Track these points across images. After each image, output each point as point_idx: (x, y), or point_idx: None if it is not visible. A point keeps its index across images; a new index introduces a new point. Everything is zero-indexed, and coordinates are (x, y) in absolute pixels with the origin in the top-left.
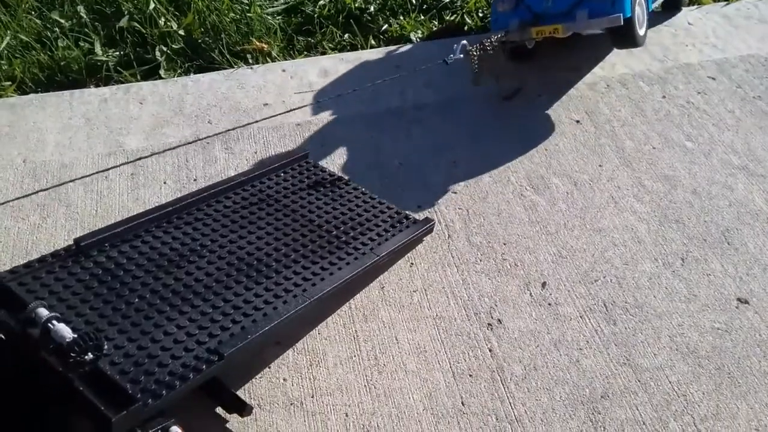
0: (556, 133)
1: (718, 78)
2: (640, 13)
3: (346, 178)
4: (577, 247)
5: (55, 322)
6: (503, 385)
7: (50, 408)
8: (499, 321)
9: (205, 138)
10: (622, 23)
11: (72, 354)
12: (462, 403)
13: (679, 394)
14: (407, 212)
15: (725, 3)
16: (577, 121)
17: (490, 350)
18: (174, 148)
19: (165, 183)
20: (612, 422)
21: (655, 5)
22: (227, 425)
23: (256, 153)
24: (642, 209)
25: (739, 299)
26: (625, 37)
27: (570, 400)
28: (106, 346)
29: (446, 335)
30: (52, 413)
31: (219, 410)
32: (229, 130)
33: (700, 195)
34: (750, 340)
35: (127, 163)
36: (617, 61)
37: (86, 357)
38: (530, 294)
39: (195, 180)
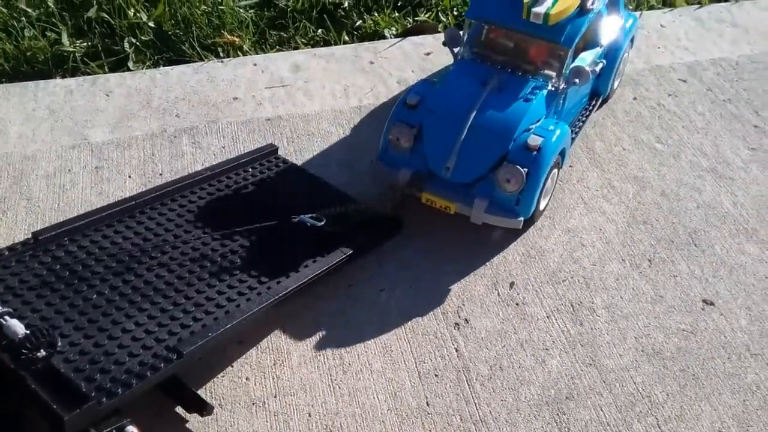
0: None
1: (689, 80)
2: (549, 186)
3: (316, 174)
4: (546, 247)
5: (7, 317)
6: (468, 385)
7: (4, 405)
8: (467, 321)
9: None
10: (520, 227)
11: (24, 350)
12: (427, 403)
13: (644, 396)
14: (377, 210)
15: (698, 6)
16: None
17: (456, 350)
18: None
19: (130, 177)
20: (576, 423)
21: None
22: (187, 425)
23: (224, 148)
24: (611, 210)
25: (704, 301)
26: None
27: (535, 401)
28: (60, 343)
29: (413, 334)
30: (6, 409)
31: (179, 410)
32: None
33: (669, 196)
34: (715, 341)
35: None
36: None
37: (39, 354)
38: (498, 294)
39: (161, 174)
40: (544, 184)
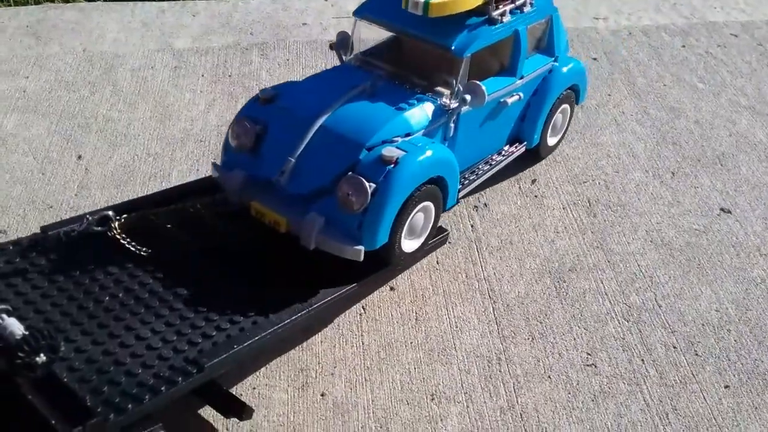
0: None
1: (740, 35)
2: (420, 222)
3: None
4: (573, 155)
5: (5, 316)
6: (478, 252)
7: None
8: (485, 205)
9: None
10: (360, 259)
11: (21, 354)
12: (437, 262)
13: (646, 276)
14: None
15: None
16: (594, 59)
17: (471, 226)
18: None
19: (203, 76)
20: (575, 290)
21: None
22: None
23: (288, 60)
24: (642, 131)
25: (722, 209)
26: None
27: (538, 270)
28: (63, 348)
29: None
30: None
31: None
32: None
33: (702, 125)
34: (726, 241)
35: None
36: (643, 15)
37: (38, 359)
38: (519, 187)
39: (230, 76)
40: (406, 213)
